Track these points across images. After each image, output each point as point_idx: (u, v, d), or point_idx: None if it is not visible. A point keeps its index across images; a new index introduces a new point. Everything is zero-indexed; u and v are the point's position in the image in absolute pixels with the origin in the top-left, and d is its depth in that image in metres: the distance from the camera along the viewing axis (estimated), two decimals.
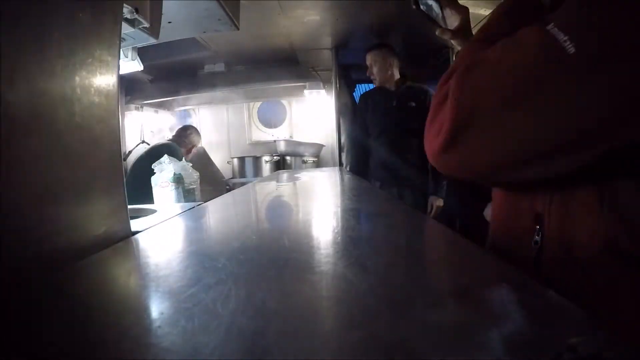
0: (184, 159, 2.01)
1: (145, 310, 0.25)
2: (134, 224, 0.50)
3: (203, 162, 2.61)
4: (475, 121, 0.36)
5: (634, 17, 0.29)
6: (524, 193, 0.42)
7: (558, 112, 0.33)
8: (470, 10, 0.64)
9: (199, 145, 2.31)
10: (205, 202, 0.86)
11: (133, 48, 0.91)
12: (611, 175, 0.35)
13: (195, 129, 2.30)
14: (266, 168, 2.67)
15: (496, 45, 0.36)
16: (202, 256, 0.36)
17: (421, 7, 0.58)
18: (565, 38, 0.31)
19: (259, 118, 3.07)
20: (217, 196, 0.87)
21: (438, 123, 0.39)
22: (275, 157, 2.71)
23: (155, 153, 1.94)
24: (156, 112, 2.79)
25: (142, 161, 2.00)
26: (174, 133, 2.27)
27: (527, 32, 0.34)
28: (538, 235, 0.39)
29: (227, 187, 2.60)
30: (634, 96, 0.30)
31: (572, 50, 0.31)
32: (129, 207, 0.48)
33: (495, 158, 0.36)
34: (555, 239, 0.38)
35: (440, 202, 1.75)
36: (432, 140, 0.40)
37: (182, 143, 2.19)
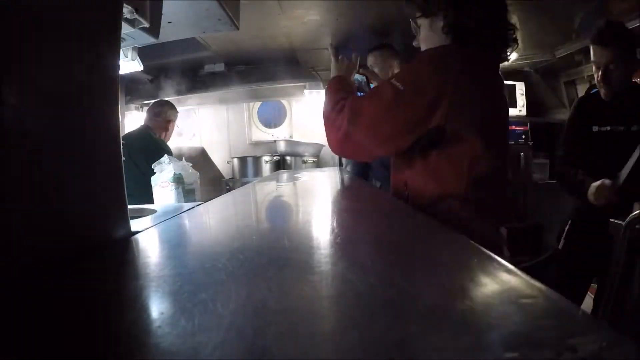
0: (161, 139, 1.87)
1: (145, 310, 0.25)
2: (134, 224, 0.50)
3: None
4: (357, 127, 0.75)
5: (422, 71, 0.76)
6: (399, 172, 0.84)
7: (395, 117, 0.73)
8: None
9: (176, 120, 2.13)
10: (205, 202, 0.86)
11: (133, 48, 0.91)
12: (425, 155, 0.76)
13: (169, 103, 2.09)
14: (266, 168, 2.67)
15: (371, 90, 0.94)
16: (202, 256, 0.36)
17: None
18: (398, 84, 0.73)
19: (259, 118, 3.07)
20: (217, 196, 0.87)
21: (337, 125, 0.78)
22: (275, 157, 2.70)
23: (129, 143, 1.83)
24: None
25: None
26: (146, 115, 2.09)
27: (382, 83, 0.83)
28: (406, 191, 0.81)
29: (227, 187, 2.60)
30: (426, 106, 0.71)
31: (400, 87, 0.73)
32: (129, 207, 0.48)
33: (367, 144, 0.77)
34: (412, 191, 0.80)
35: None
36: (335, 134, 0.79)
37: (156, 122, 2.01)
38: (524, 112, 2.44)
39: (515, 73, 2.42)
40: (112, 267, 0.36)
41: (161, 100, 2.13)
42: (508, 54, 0.85)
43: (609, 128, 1.33)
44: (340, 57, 1.02)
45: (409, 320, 0.20)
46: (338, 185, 0.99)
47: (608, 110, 1.34)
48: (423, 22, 0.85)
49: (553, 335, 0.17)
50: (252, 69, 2.53)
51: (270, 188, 1.07)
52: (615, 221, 1.20)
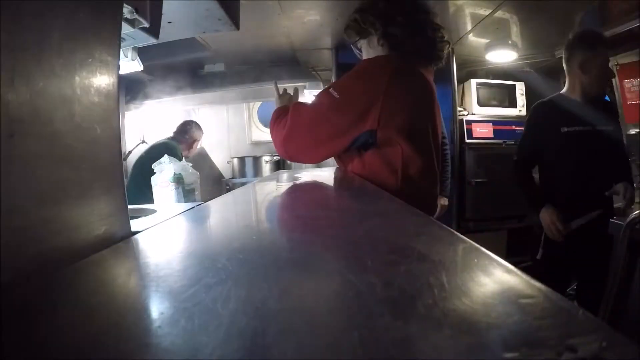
0: (183, 156, 2.02)
1: (145, 310, 0.25)
2: (134, 224, 0.50)
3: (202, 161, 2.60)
4: (298, 127, 0.86)
5: (356, 82, 0.87)
6: (346, 165, 0.95)
7: (330, 122, 0.83)
8: (470, 10, 0.96)
9: (201, 140, 2.29)
10: (205, 202, 0.86)
11: (133, 48, 0.91)
12: (361, 154, 0.88)
13: (196, 123, 2.27)
14: (266, 168, 2.67)
15: (314, 99, 0.92)
16: (202, 256, 0.36)
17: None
18: (335, 93, 0.84)
19: (259, 118, 3.07)
20: (217, 196, 0.87)
21: (280, 127, 0.89)
22: (275, 157, 2.71)
23: (154, 152, 1.94)
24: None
25: (142, 161, 1.99)
26: (174, 130, 2.25)
27: (322, 92, 0.89)
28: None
29: (227, 187, 2.60)
30: (358, 114, 0.82)
31: (337, 96, 0.83)
32: (129, 207, 0.48)
33: (305, 145, 0.87)
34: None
35: (445, 202, 1.76)
36: (278, 135, 0.89)
37: (182, 139, 2.16)
38: (524, 112, 2.44)
39: (515, 73, 2.42)
40: (112, 267, 0.36)
41: (190, 121, 2.28)
42: (439, 52, 0.96)
43: (577, 128, 1.39)
44: (282, 91, 1.17)
45: (409, 320, 0.20)
46: (338, 185, 1.00)
47: (575, 112, 1.41)
48: (363, 44, 0.98)
49: (553, 335, 0.17)
50: (252, 69, 2.53)
51: (270, 188, 1.07)
52: (616, 221, 1.20)
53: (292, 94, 1.15)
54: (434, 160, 0.95)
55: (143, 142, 2.60)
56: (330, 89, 0.85)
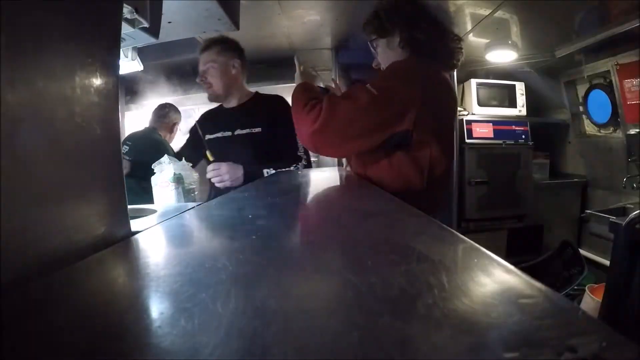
0: (167, 139, 1.94)
1: (145, 310, 0.25)
2: (134, 224, 0.50)
3: None
4: (332, 121, 0.81)
5: (394, 82, 0.85)
6: (362, 167, 0.95)
7: (367, 118, 0.81)
8: (470, 10, 1.01)
9: (180, 123, 2.18)
10: (205, 202, 0.86)
11: (133, 48, 0.91)
12: (390, 154, 0.88)
13: (173, 106, 2.15)
14: None
15: (346, 92, 0.90)
16: (202, 256, 0.36)
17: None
18: (373, 90, 0.81)
19: None
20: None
21: (311, 118, 0.83)
22: None
23: (139, 145, 1.86)
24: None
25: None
26: (151, 117, 2.12)
27: (358, 88, 0.85)
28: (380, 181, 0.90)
29: None
30: (395, 113, 0.82)
31: (375, 92, 0.81)
32: (129, 207, 0.48)
33: (338, 139, 0.83)
34: (383, 180, 0.89)
35: None
36: (308, 127, 0.83)
37: (162, 124, 2.05)
38: (524, 112, 2.44)
39: (515, 73, 2.42)
40: (112, 267, 0.36)
41: (166, 103, 2.15)
42: (456, 61, 0.99)
43: (219, 135, 1.50)
44: (302, 68, 1.16)
45: (409, 320, 0.20)
46: (338, 185, 0.99)
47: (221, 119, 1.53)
48: (381, 43, 0.99)
49: (553, 335, 0.17)
50: (252, 69, 2.53)
51: (270, 188, 1.07)
52: (616, 221, 1.20)
53: (310, 72, 1.18)
54: (454, 162, 1.03)
55: None
56: (368, 86, 0.83)
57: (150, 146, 1.87)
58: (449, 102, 0.98)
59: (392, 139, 0.83)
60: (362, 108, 0.81)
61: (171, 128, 2.10)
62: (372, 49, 1.03)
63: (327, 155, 1.08)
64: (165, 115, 2.09)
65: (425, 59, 0.93)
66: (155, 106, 2.16)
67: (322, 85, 1.17)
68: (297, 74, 1.12)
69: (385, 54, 0.99)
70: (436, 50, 0.93)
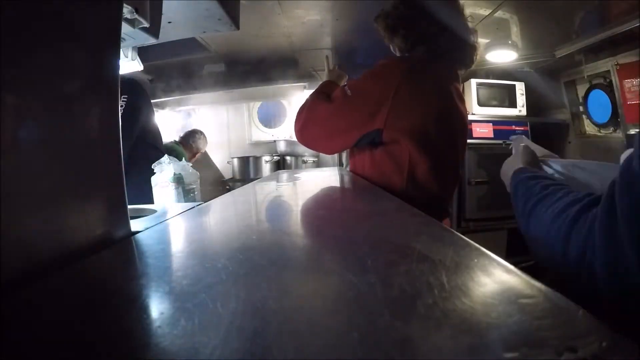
0: (188, 160, 2.00)
1: (145, 310, 0.25)
2: (134, 224, 0.50)
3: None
4: (312, 121, 0.93)
5: (369, 82, 0.90)
6: (354, 162, 1.03)
7: (341, 117, 0.89)
8: (470, 10, 0.94)
9: (204, 151, 2.30)
10: (205, 202, 0.86)
11: (133, 48, 0.91)
12: (372, 150, 0.93)
13: (204, 134, 2.27)
14: (266, 168, 2.67)
15: (333, 93, 0.96)
16: (202, 256, 0.36)
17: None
18: (348, 91, 0.89)
19: (259, 118, 3.07)
20: (217, 196, 0.87)
21: (299, 118, 0.95)
22: (275, 157, 2.71)
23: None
24: (156, 112, 2.78)
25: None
26: (181, 134, 2.24)
27: (339, 89, 0.96)
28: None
29: (227, 187, 2.60)
30: (367, 113, 0.87)
31: (349, 93, 0.89)
32: (129, 207, 0.48)
33: (319, 136, 0.93)
34: (368, 176, 0.95)
35: None
36: (297, 125, 0.96)
37: (187, 146, 2.16)
38: (524, 112, 2.44)
39: (515, 73, 2.42)
40: (112, 267, 0.36)
41: (197, 131, 2.28)
42: (469, 61, 1.00)
43: None
44: (332, 67, 1.19)
45: (409, 320, 0.20)
46: (338, 185, 1.00)
47: None
48: (391, 40, 1.01)
49: (553, 335, 0.17)
50: (252, 69, 2.53)
51: (270, 188, 1.07)
52: None
53: (340, 71, 1.19)
54: (446, 163, 0.96)
55: None
56: (346, 87, 0.92)
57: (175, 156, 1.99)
58: (440, 99, 0.94)
59: (367, 137, 0.88)
60: (335, 109, 0.90)
61: (195, 154, 2.23)
62: (390, 45, 1.05)
63: (316, 151, 1.17)
64: (194, 140, 2.22)
65: (427, 57, 0.93)
66: (190, 129, 2.29)
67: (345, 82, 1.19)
68: (325, 72, 1.18)
69: (396, 51, 1.01)
70: (441, 47, 0.93)
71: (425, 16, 0.93)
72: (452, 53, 0.96)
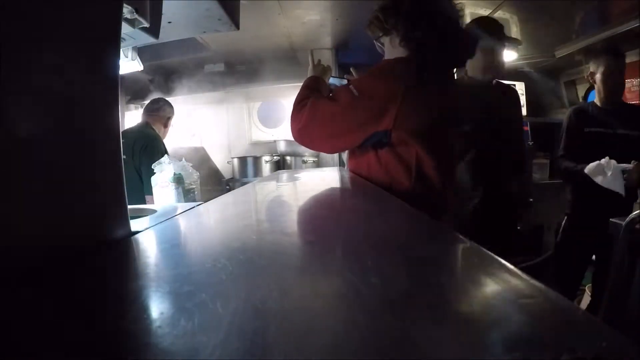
0: (161, 134, 1.90)
1: (145, 310, 0.25)
2: (134, 224, 0.50)
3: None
4: (314, 121, 0.89)
5: (376, 82, 0.88)
6: (355, 162, 1.00)
7: (347, 118, 0.86)
8: (470, 10, 0.94)
9: (173, 117, 2.15)
10: (205, 202, 0.86)
11: (133, 48, 0.91)
12: (377, 151, 0.91)
13: (166, 100, 2.13)
14: (266, 168, 2.67)
15: (333, 93, 0.96)
16: (202, 256, 0.36)
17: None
18: (354, 90, 0.86)
19: (259, 118, 3.07)
20: (217, 196, 0.87)
21: (299, 117, 0.91)
22: (275, 157, 2.70)
23: (137, 142, 1.85)
24: None
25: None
26: (145, 110, 2.09)
27: (342, 88, 0.93)
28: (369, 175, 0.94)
29: (227, 187, 2.60)
30: (375, 113, 0.85)
31: (356, 93, 0.86)
32: (129, 207, 0.48)
33: (320, 137, 0.91)
34: (372, 177, 0.93)
35: None
36: (296, 124, 0.92)
37: (156, 117, 2.03)
38: (524, 112, 2.44)
39: (515, 73, 2.42)
40: (112, 267, 0.36)
41: (159, 98, 2.13)
42: (462, 59, 1.00)
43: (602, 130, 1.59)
44: (317, 62, 1.16)
45: (409, 320, 0.20)
46: (338, 185, 1.00)
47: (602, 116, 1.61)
48: (385, 41, 1.00)
49: (553, 335, 0.17)
50: (252, 69, 2.53)
51: (270, 188, 1.07)
52: (616, 221, 1.20)
53: (325, 65, 1.17)
54: (454, 162, 0.96)
55: None
56: (351, 86, 0.88)
57: (145, 143, 1.86)
58: (445, 100, 0.96)
59: (373, 137, 0.87)
60: (341, 109, 0.87)
61: (165, 122, 2.07)
62: (378, 47, 1.04)
63: (315, 150, 1.11)
64: (159, 109, 2.06)
65: (425, 57, 0.92)
66: (150, 99, 2.14)
67: (334, 79, 1.17)
68: (310, 67, 1.16)
69: (391, 52, 0.99)
70: (438, 47, 0.92)
71: (426, 16, 0.92)
72: (448, 54, 0.95)
